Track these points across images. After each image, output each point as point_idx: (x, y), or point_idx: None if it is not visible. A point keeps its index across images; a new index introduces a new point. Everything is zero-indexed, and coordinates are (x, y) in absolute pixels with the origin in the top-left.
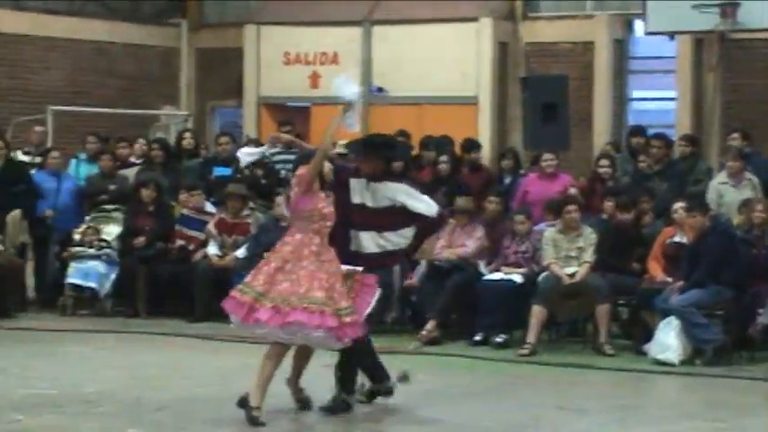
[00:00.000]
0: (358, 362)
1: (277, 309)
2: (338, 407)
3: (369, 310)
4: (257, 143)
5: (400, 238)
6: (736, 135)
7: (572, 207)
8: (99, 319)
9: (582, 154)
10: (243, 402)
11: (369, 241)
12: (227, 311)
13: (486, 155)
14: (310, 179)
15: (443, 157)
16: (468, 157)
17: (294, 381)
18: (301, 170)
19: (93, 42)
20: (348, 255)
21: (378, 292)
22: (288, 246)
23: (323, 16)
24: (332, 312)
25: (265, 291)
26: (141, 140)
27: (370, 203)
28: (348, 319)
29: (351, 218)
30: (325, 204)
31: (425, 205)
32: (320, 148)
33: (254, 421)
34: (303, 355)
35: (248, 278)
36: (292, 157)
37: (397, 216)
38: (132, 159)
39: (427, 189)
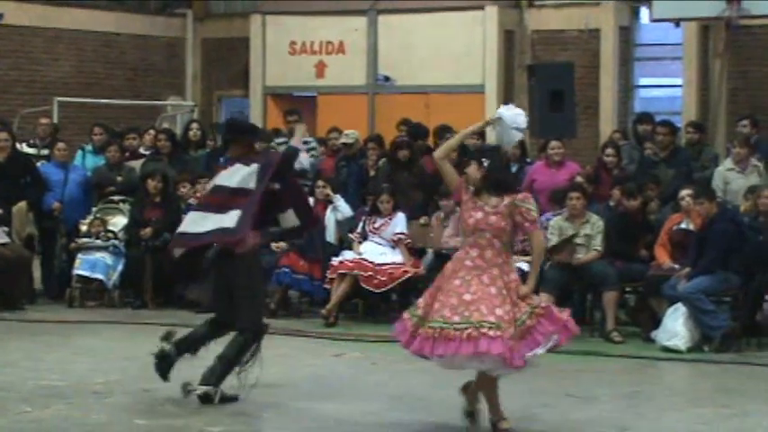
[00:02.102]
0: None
1: (435, 335)
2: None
3: (535, 350)
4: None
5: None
6: (745, 122)
7: (575, 194)
8: (107, 311)
9: (588, 142)
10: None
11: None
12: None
13: (492, 143)
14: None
15: None
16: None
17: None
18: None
19: (99, 33)
20: None
21: (552, 341)
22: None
23: (328, 6)
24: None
25: (425, 314)
26: (152, 131)
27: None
28: (491, 333)
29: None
30: (470, 214)
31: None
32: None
33: None
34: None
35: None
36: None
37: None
38: (141, 150)
39: (434, 179)
